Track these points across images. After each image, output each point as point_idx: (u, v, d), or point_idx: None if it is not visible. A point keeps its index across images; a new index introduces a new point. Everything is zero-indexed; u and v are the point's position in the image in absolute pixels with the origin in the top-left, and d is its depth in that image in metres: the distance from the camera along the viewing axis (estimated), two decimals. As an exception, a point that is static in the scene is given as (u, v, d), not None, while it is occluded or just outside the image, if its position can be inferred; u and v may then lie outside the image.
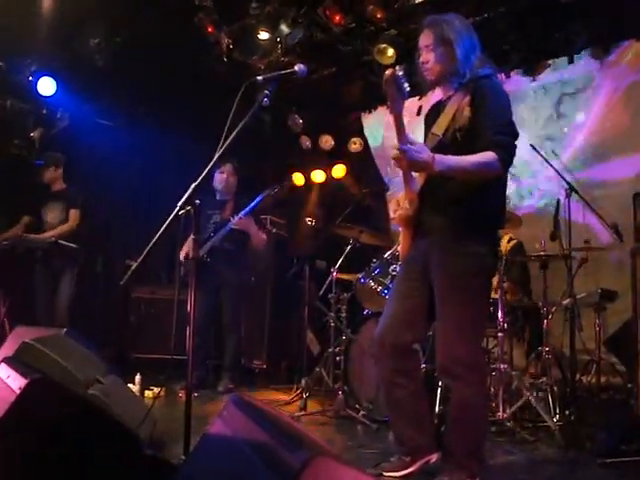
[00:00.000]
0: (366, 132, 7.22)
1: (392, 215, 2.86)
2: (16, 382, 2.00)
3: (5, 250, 4.86)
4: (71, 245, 5.13)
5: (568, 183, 4.08)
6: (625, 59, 5.30)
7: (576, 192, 4.09)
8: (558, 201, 4.13)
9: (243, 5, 5.57)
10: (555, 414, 3.82)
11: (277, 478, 1.27)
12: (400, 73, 2.48)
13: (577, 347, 3.95)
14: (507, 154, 2.54)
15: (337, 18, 5.30)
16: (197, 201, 2.46)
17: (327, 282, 4.89)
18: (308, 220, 5.45)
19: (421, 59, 2.73)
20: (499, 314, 3.93)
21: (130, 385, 4.07)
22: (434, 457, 2.77)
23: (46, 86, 5.86)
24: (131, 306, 6.35)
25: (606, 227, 4.30)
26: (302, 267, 5.23)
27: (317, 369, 4.94)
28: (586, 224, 5.06)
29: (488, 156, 2.50)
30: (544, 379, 3.98)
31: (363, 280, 4.39)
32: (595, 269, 4.66)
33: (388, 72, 2.48)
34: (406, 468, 2.75)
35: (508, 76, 5.68)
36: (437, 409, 3.63)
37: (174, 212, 2.43)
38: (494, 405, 3.84)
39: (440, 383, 3.67)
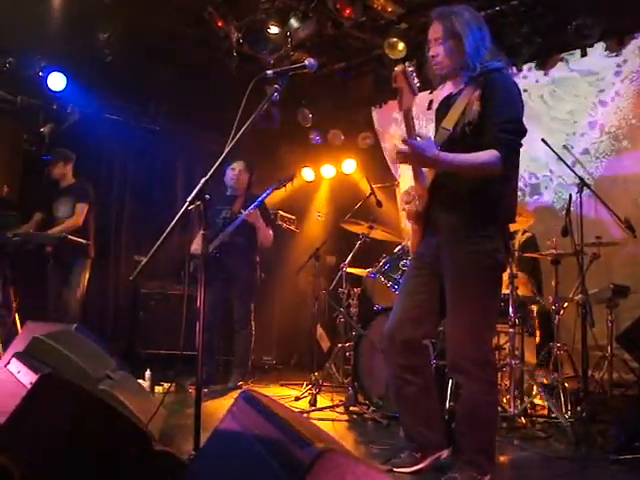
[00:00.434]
0: (376, 127, 7.19)
1: (400, 207, 2.85)
2: (27, 377, 2.01)
3: (16, 246, 4.88)
4: (81, 240, 5.14)
5: (580, 178, 4.04)
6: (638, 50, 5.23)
7: (588, 187, 4.06)
8: (570, 196, 4.09)
9: (253, -1, 5.56)
10: (567, 410, 3.80)
11: (288, 474, 1.27)
12: (410, 69, 2.48)
13: (589, 343, 3.91)
14: (509, 153, 2.52)
15: (347, 12, 5.27)
16: (207, 196, 2.45)
17: (337, 277, 4.89)
18: (318, 215, 5.44)
19: (430, 52, 2.71)
20: (510, 310, 3.91)
21: (140, 381, 4.08)
22: (444, 453, 2.77)
23: (56, 81, 5.88)
24: (141, 302, 6.37)
25: (618, 222, 4.26)
26: (312, 262, 5.23)
27: (327, 365, 4.93)
28: (598, 219, 5.02)
29: (491, 155, 2.49)
30: (555, 375, 3.95)
31: (373, 275, 4.38)
32: (607, 265, 4.63)
33: (398, 68, 2.47)
34: (416, 464, 2.75)
35: (520, 70, 5.64)
36: (448, 405, 3.61)
37: (184, 207, 2.42)
38: (505, 401, 3.82)
39: (450, 379, 3.66)
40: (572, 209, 4.01)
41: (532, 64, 5.71)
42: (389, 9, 5.23)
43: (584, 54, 5.39)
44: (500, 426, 3.52)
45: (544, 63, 5.67)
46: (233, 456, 1.62)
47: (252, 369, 5.47)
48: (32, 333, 2.83)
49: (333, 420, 4.05)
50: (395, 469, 2.72)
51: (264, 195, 4.96)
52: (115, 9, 5.46)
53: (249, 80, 2.57)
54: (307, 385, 4.87)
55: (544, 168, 5.75)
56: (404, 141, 2.51)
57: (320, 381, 4.70)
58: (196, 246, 4.83)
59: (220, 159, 2.51)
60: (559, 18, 5.12)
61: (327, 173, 7.62)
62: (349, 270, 4.82)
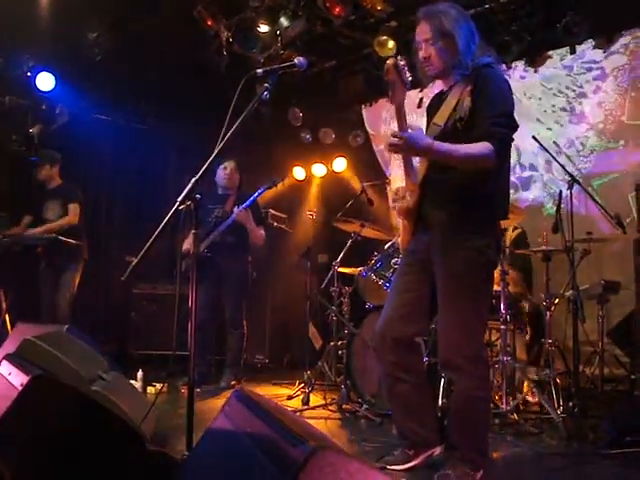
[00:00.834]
0: (367, 125, 7.20)
1: (391, 204, 2.85)
2: (18, 379, 1.99)
3: (5, 247, 4.85)
4: (72, 241, 5.11)
5: (570, 174, 4.05)
6: (628, 49, 5.26)
7: (578, 183, 4.07)
8: (560, 193, 4.11)
9: (243, -2, 5.55)
10: (558, 406, 3.81)
11: (281, 472, 1.27)
12: (402, 62, 2.47)
13: (580, 339, 3.94)
14: (501, 146, 2.52)
15: (337, 10, 5.27)
16: (197, 195, 2.44)
17: (329, 276, 4.89)
18: (309, 214, 5.44)
19: (422, 54, 2.68)
20: (502, 306, 3.92)
21: (132, 381, 4.07)
22: (437, 450, 2.77)
23: (45, 81, 5.84)
24: (132, 302, 6.35)
25: (608, 218, 4.28)
26: (303, 261, 5.22)
27: (319, 363, 4.94)
28: (588, 215, 5.05)
29: (484, 147, 2.48)
30: (547, 371, 3.97)
31: (365, 274, 4.38)
32: (598, 261, 4.66)
33: (390, 61, 2.46)
34: (409, 461, 2.75)
35: (509, 67, 5.66)
36: (440, 402, 3.63)
37: (174, 207, 2.42)
38: (497, 397, 3.84)
39: (443, 376, 3.67)
40: (562, 205, 4.03)
41: (522, 61, 5.73)
42: (379, 7, 5.23)
43: (573, 51, 5.42)
44: (492, 422, 3.53)
45: (533, 60, 5.70)
46: (226, 455, 1.62)
47: (244, 368, 5.47)
48: (23, 335, 2.81)
49: (326, 418, 4.05)
50: (388, 466, 2.72)
51: (255, 195, 4.95)
52: (104, 8, 5.44)
53: (239, 79, 2.56)
54: (300, 384, 4.86)
55: (534, 165, 5.77)
56: (395, 135, 2.49)
57: (313, 380, 4.69)
58: (187, 246, 4.82)
59: (210, 158, 2.50)
60: (548, 16, 5.15)
61: (318, 172, 7.62)
62: (341, 269, 4.82)
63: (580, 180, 4.20)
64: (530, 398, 4.07)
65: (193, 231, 2.52)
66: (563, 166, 4.18)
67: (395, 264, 4.14)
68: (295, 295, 6.64)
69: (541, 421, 3.78)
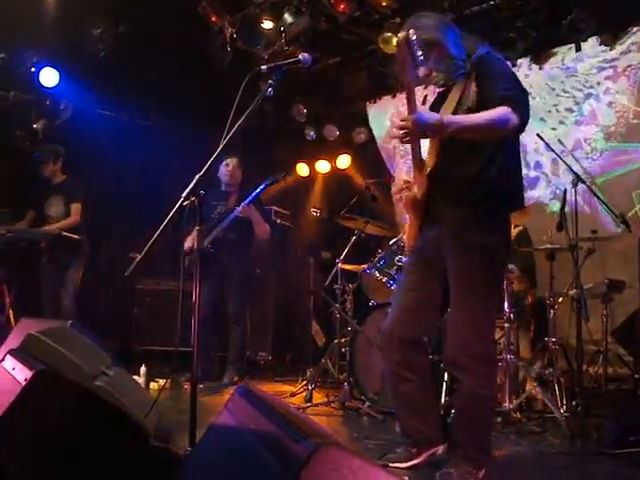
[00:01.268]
0: (371, 122, 7.19)
1: (396, 196, 2.79)
2: (21, 374, 1.99)
3: (9, 243, 4.85)
4: (74, 236, 5.12)
5: (575, 173, 4.04)
6: (635, 46, 5.22)
7: (583, 182, 4.05)
8: (565, 191, 4.09)
9: (246, -6, 5.54)
10: (562, 405, 3.80)
11: (284, 468, 1.26)
12: (414, 37, 2.39)
13: (584, 338, 3.93)
14: (522, 106, 2.45)
15: (341, 7, 5.25)
16: (201, 192, 2.44)
17: (332, 273, 4.88)
18: (313, 211, 5.43)
19: (423, 73, 2.62)
20: (505, 305, 3.91)
21: (135, 377, 4.07)
22: (440, 449, 2.76)
23: (49, 77, 5.84)
24: (136, 298, 6.35)
25: (613, 217, 4.26)
26: (307, 258, 5.22)
27: (322, 360, 4.93)
28: (593, 214, 5.03)
29: (501, 110, 2.41)
30: (550, 370, 3.96)
31: (368, 271, 4.38)
32: (602, 259, 4.65)
33: (401, 35, 2.39)
34: (412, 459, 2.74)
35: (514, 64, 5.63)
36: (443, 400, 3.62)
37: (178, 203, 2.41)
38: (500, 396, 3.83)
39: (446, 374, 3.66)
40: (567, 204, 4.02)
41: (527, 58, 5.71)
42: (383, 4, 5.22)
43: (579, 48, 5.39)
44: (495, 421, 3.52)
45: (539, 57, 5.68)
46: (229, 451, 1.62)
47: (247, 365, 5.47)
48: (27, 330, 2.81)
49: (328, 416, 4.06)
50: (390, 464, 2.71)
51: (258, 190, 4.94)
52: (108, 5, 5.43)
53: (243, 75, 2.56)
54: (303, 381, 4.87)
55: (538, 163, 5.75)
56: (403, 119, 2.44)
57: (315, 377, 4.69)
58: (190, 242, 4.82)
59: (214, 155, 2.50)
60: (554, 12, 5.12)
61: (322, 168, 7.61)
62: (344, 266, 4.81)
63: (585, 179, 4.19)
64: (533, 396, 4.05)
65: (197, 227, 2.52)
66: (568, 164, 4.17)
67: (399, 261, 4.13)
68: (298, 292, 6.64)
69: (544, 420, 3.77)
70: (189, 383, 2.43)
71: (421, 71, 2.62)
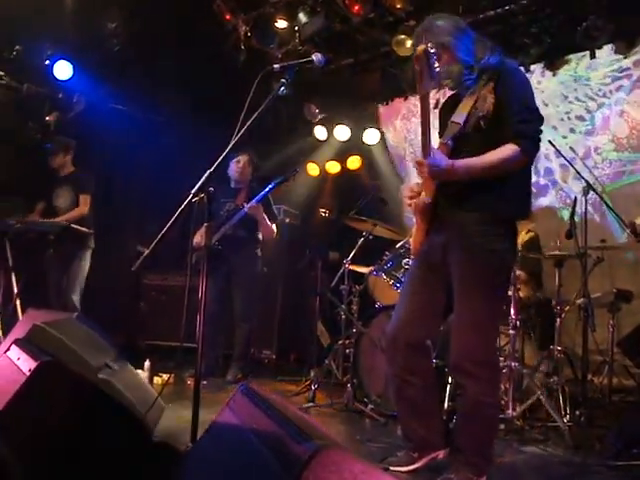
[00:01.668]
0: (382, 124, 7.18)
1: (407, 202, 2.81)
2: (26, 364, 2.00)
3: (18, 233, 4.87)
4: (83, 229, 5.13)
5: (585, 181, 4.02)
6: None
7: (593, 190, 4.03)
8: (575, 199, 4.07)
9: (261, -7, 5.55)
10: (565, 414, 3.78)
11: (284, 468, 1.26)
12: (432, 51, 2.44)
13: (590, 347, 3.91)
14: (532, 143, 2.51)
15: (356, 8, 5.25)
16: (211, 188, 2.44)
17: (339, 274, 4.88)
18: (322, 211, 5.43)
19: (437, 64, 2.64)
20: (512, 311, 3.89)
21: (139, 371, 4.08)
22: (442, 453, 2.76)
23: (63, 70, 5.86)
24: (142, 292, 6.36)
25: (623, 226, 4.24)
26: (314, 258, 5.21)
27: (326, 361, 4.93)
28: (603, 223, 5.01)
29: (508, 150, 2.47)
30: (555, 378, 3.93)
31: (375, 273, 4.37)
32: (611, 269, 4.62)
33: (420, 47, 2.44)
34: (413, 463, 2.74)
35: (528, 70, 5.60)
36: (446, 405, 3.61)
37: (187, 199, 2.42)
38: (504, 403, 3.81)
39: (450, 379, 3.65)
40: (577, 212, 4.00)
41: (540, 64, 5.69)
42: (398, 6, 5.21)
43: (593, 56, 5.36)
44: (498, 428, 3.50)
45: (552, 64, 5.65)
46: (230, 449, 1.62)
47: (251, 363, 5.47)
48: (33, 320, 2.83)
49: (331, 417, 4.05)
50: (391, 468, 2.71)
51: (267, 189, 4.94)
52: (123, -1, 5.47)
53: (256, 74, 2.56)
54: (306, 381, 4.86)
55: (548, 169, 5.73)
56: (418, 162, 2.57)
57: (319, 377, 4.69)
58: (198, 238, 4.82)
59: (225, 152, 2.50)
60: (569, 19, 5.09)
61: (332, 169, 7.60)
62: (351, 267, 4.81)
63: (596, 187, 4.16)
64: (537, 404, 4.03)
65: (206, 224, 2.52)
66: (578, 172, 4.15)
67: (406, 264, 4.12)
68: (305, 292, 6.63)
69: (547, 429, 3.74)
70: (192, 379, 2.43)
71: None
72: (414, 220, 2.85)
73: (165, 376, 4.45)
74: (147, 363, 4.45)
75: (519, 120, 2.49)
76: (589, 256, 4.03)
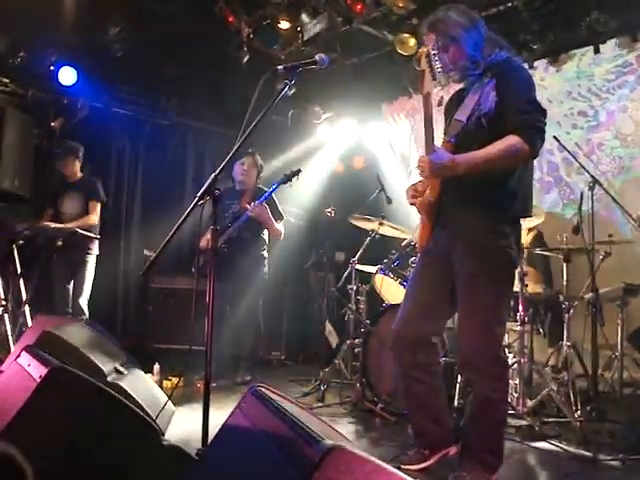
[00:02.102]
0: (387, 123, 7.18)
1: (410, 201, 2.81)
2: (37, 371, 2.01)
3: (27, 239, 4.89)
4: (91, 235, 5.15)
5: (592, 176, 4.01)
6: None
7: (600, 185, 4.01)
8: (582, 194, 4.06)
9: (264, -6, 5.55)
10: (576, 409, 3.76)
11: (296, 470, 1.26)
12: (434, 52, 2.48)
13: (599, 342, 3.89)
14: (536, 133, 2.48)
15: (358, 7, 5.25)
16: (217, 191, 2.44)
17: (346, 273, 4.87)
18: (327, 211, 5.43)
19: (439, 65, 2.64)
20: (520, 307, 3.89)
21: (149, 375, 4.09)
22: (452, 450, 2.76)
23: (67, 76, 5.88)
24: (150, 296, 6.37)
25: (630, 221, 4.22)
26: (321, 258, 5.22)
27: (335, 361, 4.93)
28: (610, 217, 4.99)
29: (509, 141, 2.46)
30: (565, 374, 3.92)
31: (382, 272, 4.37)
32: (619, 263, 4.59)
33: (422, 50, 2.47)
34: (424, 461, 2.74)
35: (531, 66, 5.59)
36: (456, 403, 3.60)
37: (193, 202, 2.42)
38: (514, 399, 3.80)
39: (459, 376, 3.64)
40: (583, 207, 3.99)
41: (544, 61, 5.67)
42: (400, 5, 5.20)
43: (597, 51, 5.34)
44: (508, 424, 3.50)
45: (556, 60, 5.63)
46: (242, 451, 1.62)
47: (260, 364, 5.47)
48: (42, 326, 2.85)
49: (341, 416, 4.05)
50: (402, 466, 2.71)
51: (270, 190, 4.95)
52: (125, 4, 5.47)
53: (260, 75, 2.56)
54: (315, 381, 4.86)
55: (553, 165, 5.71)
56: (420, 160, 2.55)
57: (328, 377, 4.69)
58: (205, 242, 4.83)
59: (230, 154, 2.51)
60: (572, 15, 5.08)
61: (337, 168, 7.60)
62: (358, 266, 4.81)
63: (602, 181, 4.14)
64: (547, 400, 4.02)
65: (212, 227, 2.52)
66: (584, 167, 4.13)
67: (413, 263, 4.12)
68: (312, 292, 6.64)
69: (558, 424, 3.74)
70: (202, 382, 2.43)
71: (439, 62, 2.64)
72: (419, 218, 2.85)
73: (174, 379, 4.46)
74: (156, 367, 4.47)
75: (519, 111, 2.48)
76: (597, 251, 4.02)
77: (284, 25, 5.70)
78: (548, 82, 5.73)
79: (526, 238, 4.62)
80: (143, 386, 3.12)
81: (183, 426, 3.28)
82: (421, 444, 2.78)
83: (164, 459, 2.06)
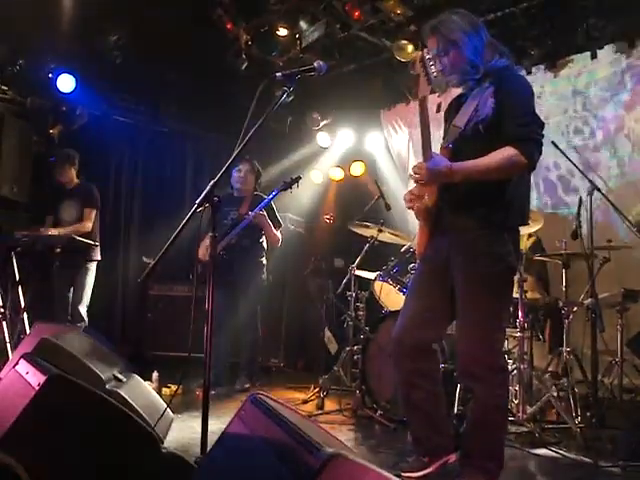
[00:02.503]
0: (385, 129, 7.19)
1: (407, 205, 2.81)
2: (35, 378, 2.00)
3: (26, 246, 4.88)
4: (89, 242, 5.14)
5: (590, 181, 4.01)
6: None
7: (598, 190, 4.02)
8: (580, 199, 4.06)
9: (262, 1, 5.56)
10: (576, 415, 3.76)
11: (296, 478, 1.26)
12: (428, 56, 2.49)
13: (599, 348, 3.89)
14: (532, 146, 2.49)
15: (356, 14, 5.27)
16: (215, 198, 2.44)
17: (345, 280, 4.87)
18: (326, 218, 5.43)
19: (439, 68, 2.66)
20: (519, 313, 3.88)
21: (147, 383, 4.07)
22: (452, 458, 2.74)
23: (66, 83, 5.89)
24: (149, 304, 6.37)
25: (629, 226, 4.22)
26: (320, 265, 5.21)
27: (335, 368, 4.91)
28: (608, 223, 4.99)
29: (507, 152, 2.46)
30: (565, 380, 3.92)
31: (381, 278, 4.36)
32: (618, 269, 4.59)
33: (416, 54, 2.48)
34: (424, 469, 2.72)
35: (529, 72, 5.60)
36: (456, 409, 3.59)
37: (192, 209, 2.42)
38: (514, 406, 3.79)
39: (459, 383, 3.63)
40: (582, 212, 3.99)
41: (542, 66, 5.68)
42: (398, 11, 5.22)
43: (594, 56, 5.36)
44: (508, 431, 3.49)
45: (554, 65, 5.65)
46: (241, 460, 1.61)
47: (259, 372, 5.46)
48: (41, 334, 2.83)
49: (340, 424, 4.04)
50: (402, 473, 2.70)
51: (270, 197, 4.95)
52: (124, 11, 5.48)
53: (258, 82, 2.56)
54: (315, 388, 4.85)
55: (552, 171, 5.71)
56: (415, 167, 2.56)
57: (328, 384, 4.68)
58: (204, 249, 4.81)
59: (229, 161, 2.51)
60: (569, 20, 5.10)
61: (335, 175, 7.61)
62: (357, 273, 4.80)
63: (601, 187, 4.15)
64: (547, 406, 4.01)
65: (210, 234, 2.52)
66: (583, 172, 4.14)
67: (412, 269, 4.12)
68: (311, 299, 6.63)
69: (558, 431, 3.73)
70: (201, 389, 2.42)
71: (439, 66, 2.66)
72: (418, 224, 2.85)
73: (173, 387, 4.44)
74: (155, 374, 4.45)
75: (518, 124, 2.49)
76: (595, 256, 4.01)
77: (282, 32, 5.72)
78: (547, 86, 5.72)
79: (525, 243, 4.62)
80: (142, 394, 3.10)
81: (182, 434, 3.27)
82: (421, 451, 2.77)
83: (163, 467, 2.04)
